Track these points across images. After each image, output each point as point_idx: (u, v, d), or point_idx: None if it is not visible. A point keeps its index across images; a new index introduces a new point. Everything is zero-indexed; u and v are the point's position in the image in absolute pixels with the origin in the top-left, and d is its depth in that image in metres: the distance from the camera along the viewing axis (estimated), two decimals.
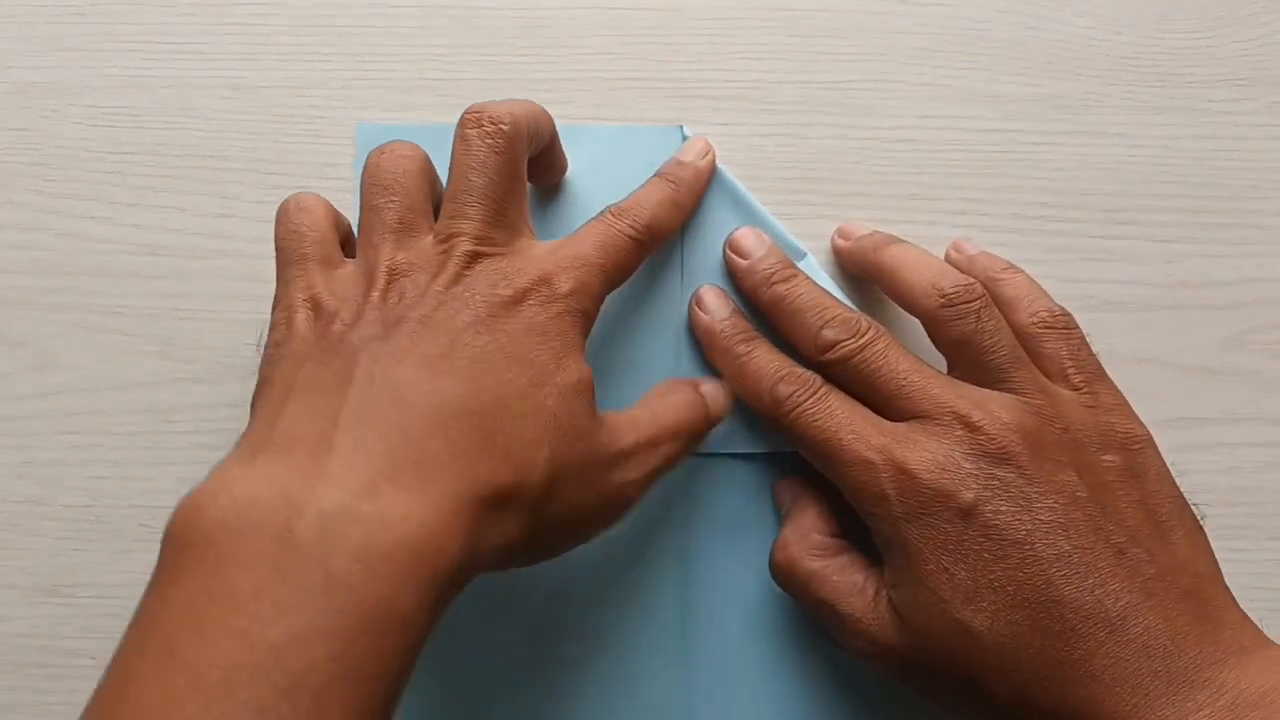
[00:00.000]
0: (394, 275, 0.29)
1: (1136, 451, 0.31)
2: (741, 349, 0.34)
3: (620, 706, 0.35)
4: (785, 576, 0.33)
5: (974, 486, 0.29)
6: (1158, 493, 0.30)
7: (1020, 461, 0.29)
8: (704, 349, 0.35)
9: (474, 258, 0.30)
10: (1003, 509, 0.29)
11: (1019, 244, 0.37)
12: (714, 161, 0.36)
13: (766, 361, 0.33)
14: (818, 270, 0.36)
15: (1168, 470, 0.31)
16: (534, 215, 0.36)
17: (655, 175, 0.35)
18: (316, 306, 0.29)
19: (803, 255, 0.36)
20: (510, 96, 0.37)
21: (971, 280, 0.32)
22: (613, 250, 0.31)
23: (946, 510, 0.29)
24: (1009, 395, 0.31)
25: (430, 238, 0.30)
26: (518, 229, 0.31)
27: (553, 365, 0.29)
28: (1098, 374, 0.32)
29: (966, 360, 0.32)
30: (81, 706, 0.38)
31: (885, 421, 0.31)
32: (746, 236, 0.35)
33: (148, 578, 0.36)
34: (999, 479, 0.29)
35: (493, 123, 0.31)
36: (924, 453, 0.30)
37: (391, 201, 0.31)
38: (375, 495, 0.25)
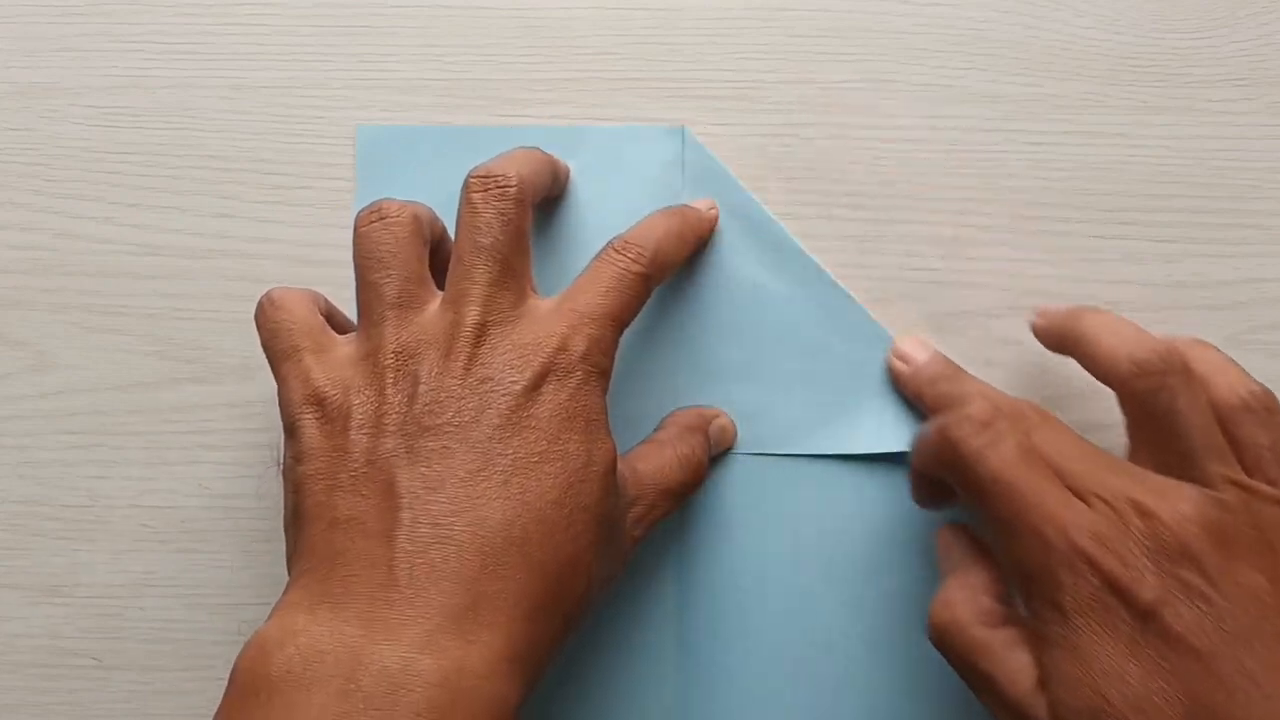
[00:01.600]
0: (401, 358, 0.29)
1: None
2: (943, 386, 0.34)
3: (618, 707, 0.35)
4: (945, 639, 0.30)
5: (1153, 585, 0.26)
6: None
7: (1203, 561, 0.26)
8: (908, 396, 0.35)
9: (482, 330, 0.29)
10: (1184, 614, 0.26)
11: (1019, 244, 0.37)
12: (717, 217, 0.36)
13: (974, 387, 0.33)
14: (828, 276, 0.36)
15: None
16: (536, 219, 0.36)
17: (660, 209, 0.35)
18: (321, 402, 0.29)
19: (825, 275, 0.36)
20: (510, 98, 0.37)
21: (1171, 348, 0.29)
22: (619, 292, 0.31)
23: (1123, 608, 0.26)
24: (1194, 487, 0.28)
25: (435, 305, 0.30)
26: (524, 289, 0.31)
27: (584, 455, 0.29)
28: None
29: (1154, 441, 0.29)
30: (81, 706, 0.38)
31: (1069, 496, 0.28)
32: (910, 342, 0.35)
33: (148, 578, 0.36)
34: (1179, 579, 0.26)
35: (499, 186, 0.31)
36: (1101, 542, 0.27)
37: (389, 275, 0.30)
38: (435, 649, 0.26)
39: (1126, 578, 0.26)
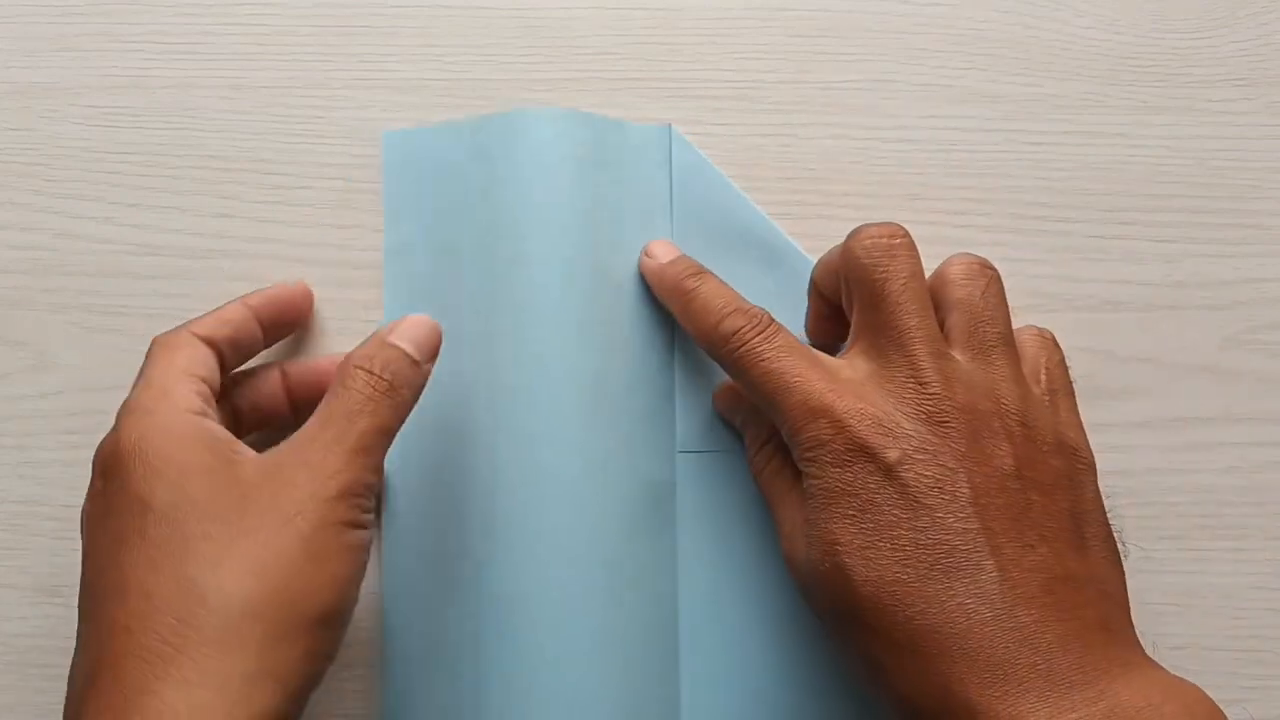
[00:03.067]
0: None
1: (1082, 469, 0.30)
2: (690, 283, 0.34)
3: (618, 706, 0.35)
4: (754, 470, 0.35)
5: (902, 446, 0.29)
6: (1090, 512, 0.30)
7: (958, 433, 0.29)
8: (653, 289, 0.35)
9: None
10: (925, 473, 0.28)
11: (1019, 244, 0.37)
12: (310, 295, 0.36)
13: (715, 295, 0.33)
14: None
15: (1102, 499, 0.31)
16: (531, 219, 0.35)
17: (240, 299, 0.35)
18: None
19: (806, 262, 0.36)
20: (510, 98, 0.37)
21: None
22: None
23: (870, 463, 0.29)
24: (979, 371, 0.30)
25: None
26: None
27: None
28: (1066, 389, 0.32)
29: (957, 324, 0.31)
30: None
31: (833, 365, 0.31)
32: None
33: None
34: (931, 443, 0.29)
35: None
36: (865, 405, 0.29)
37: None
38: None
39: (880, 440, 0.29)
